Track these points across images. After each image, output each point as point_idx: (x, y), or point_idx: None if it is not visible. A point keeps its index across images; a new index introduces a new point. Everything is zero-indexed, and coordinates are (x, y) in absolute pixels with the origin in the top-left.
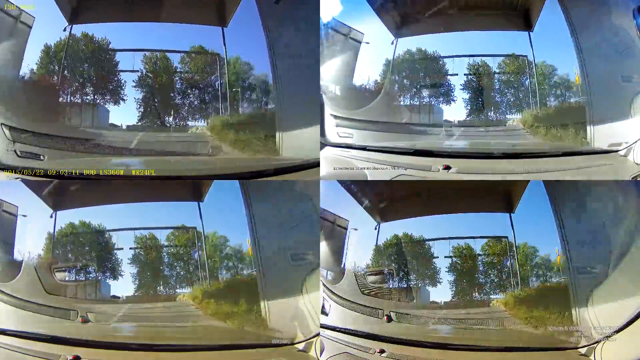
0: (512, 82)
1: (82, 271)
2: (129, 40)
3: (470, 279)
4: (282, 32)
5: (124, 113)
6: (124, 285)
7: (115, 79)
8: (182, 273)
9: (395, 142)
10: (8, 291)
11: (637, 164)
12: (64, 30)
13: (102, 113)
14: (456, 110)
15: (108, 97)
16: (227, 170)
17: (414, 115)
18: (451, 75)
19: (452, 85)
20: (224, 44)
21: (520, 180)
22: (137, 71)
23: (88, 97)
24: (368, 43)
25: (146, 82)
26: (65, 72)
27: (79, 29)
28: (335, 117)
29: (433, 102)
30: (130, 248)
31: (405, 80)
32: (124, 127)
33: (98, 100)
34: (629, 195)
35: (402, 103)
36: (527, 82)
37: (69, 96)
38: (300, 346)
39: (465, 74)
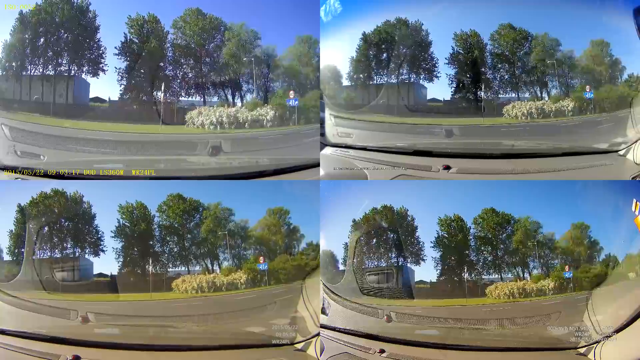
0: None
1: None
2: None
3: None
4: None
5: (105, 85)
6: None
7: (95, 45)
8: None
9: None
10: None
11: (637, 164)
12: None
13: (81, 86)
14: None
15: (86, 68)
16: (227, 170)
17: None
18: None
19: None
20: None
21: None
22: None
23: (62, 68)
24: None
25: (131, 48)
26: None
27: None
28: (335, 116)
29: None
30: None
31: None
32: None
33: (74, 72)
34: None
35: None
36: None
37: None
38: (300, 346)
39: None
